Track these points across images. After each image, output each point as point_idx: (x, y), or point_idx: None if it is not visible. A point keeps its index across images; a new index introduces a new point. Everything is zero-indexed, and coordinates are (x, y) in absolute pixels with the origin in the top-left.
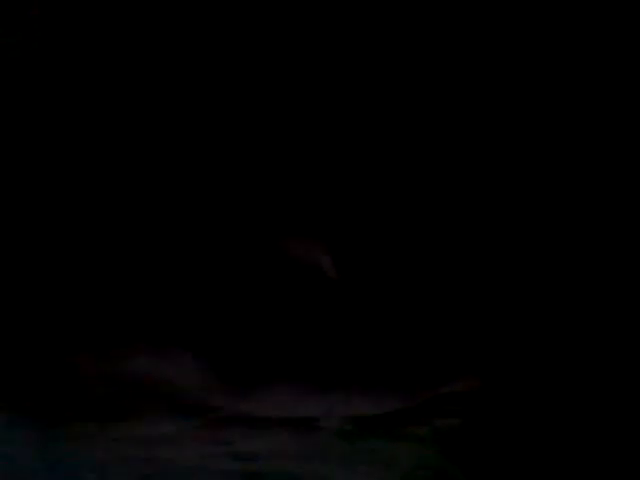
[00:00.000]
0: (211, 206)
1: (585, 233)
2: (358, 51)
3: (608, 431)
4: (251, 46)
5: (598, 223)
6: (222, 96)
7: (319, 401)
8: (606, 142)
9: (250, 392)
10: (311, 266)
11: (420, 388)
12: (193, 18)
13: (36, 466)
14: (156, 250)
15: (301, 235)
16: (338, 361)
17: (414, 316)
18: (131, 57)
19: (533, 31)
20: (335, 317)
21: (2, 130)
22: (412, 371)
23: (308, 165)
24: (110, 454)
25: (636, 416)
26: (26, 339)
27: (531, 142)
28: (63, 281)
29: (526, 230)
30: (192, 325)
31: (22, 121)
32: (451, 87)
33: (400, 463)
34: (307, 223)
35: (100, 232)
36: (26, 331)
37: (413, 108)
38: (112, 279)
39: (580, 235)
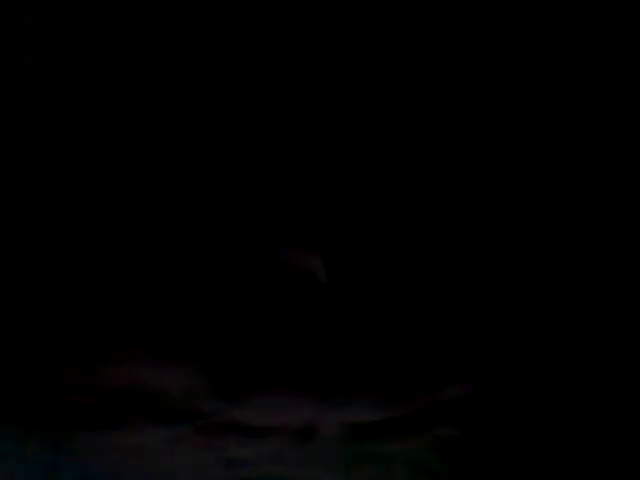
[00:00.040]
0: (200, 215)
1: (584, 239)
2: (353, 58)
3: (608, 439)
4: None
5: (597, 227)
6: (218, 113)
7: (315, 408)
8: (606, 142)
9: (244, 399)
10: (303, 272)
11: (415, 394)
12: (193, 19)
13: (30, 477)
14: (149, 262)
15: (292, 242)
16: (332, 368)
17: (409, 323)
18: (131, 57)
19: (533, 32)
20: (329, 324)
21: (2, 130)
22: (407, 377)
23: (299, 170)
24: (103, 463)
25: (636, 423)
26: (15, 350)
27: (531, 143)
28: (55, 291)
29: (521, 239)
30: (184, 334)
31: (22, 121)
32: (448, 96)
33: (396, 469)
34: (298, 229)
35: (95, 242)
36: (14, 342)
37: (405, 119)
38: (106, 289)
39: (578, 242)
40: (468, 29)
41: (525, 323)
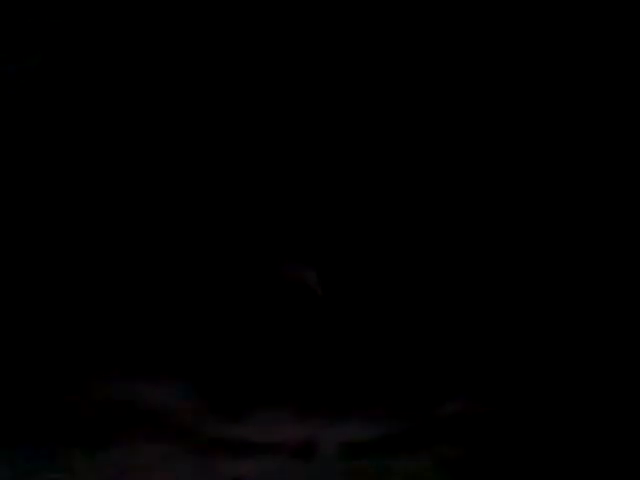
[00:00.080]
0: (196, 231)
1: (584, 243)
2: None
3: (613, 449)
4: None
5: (598, 231)
6: (215, 122)
7: (315, 423)
8: (606, 142)
9: (244, 415)
10: (299, 286)
11: (415, 409)
12: (192, 19)
13: None
14: (142, 274)
15: (287, 256)
16: (329, 384)
17: (407, 336)
18: (131, 58)
19: (533, 31)
20: (325, 338)
21: (2, 130)
22: (406, 391)
23: (293, 183)
24: None
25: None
26: (8, 364)
27: (530, 143)
28: (50, 303)
29: (517, 247)
30: (184, 350)
31: (22, 121)
32: (446, 99)
33: None
34: (292, 244)
35: (90, 251)
36: (10, 356)
37: (400, 129)
38: (103, 303)
39: (578, 247)
40: (468, 29)
41: (525, 339)
